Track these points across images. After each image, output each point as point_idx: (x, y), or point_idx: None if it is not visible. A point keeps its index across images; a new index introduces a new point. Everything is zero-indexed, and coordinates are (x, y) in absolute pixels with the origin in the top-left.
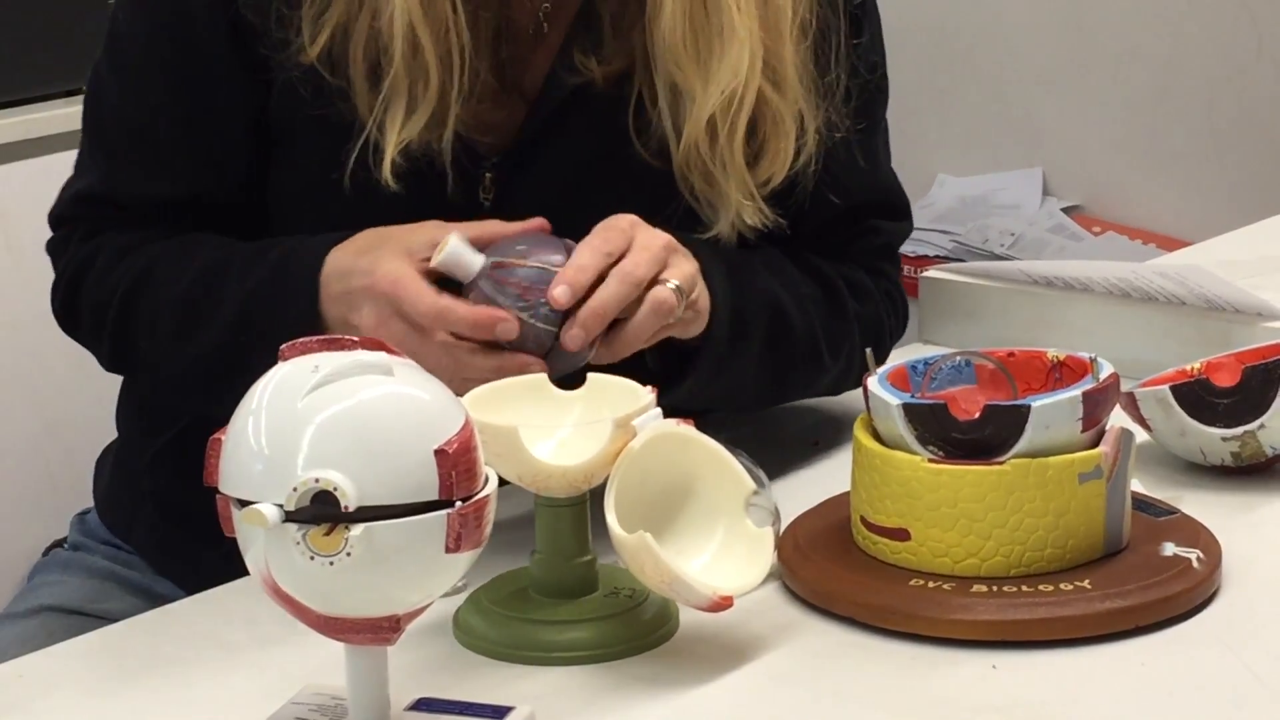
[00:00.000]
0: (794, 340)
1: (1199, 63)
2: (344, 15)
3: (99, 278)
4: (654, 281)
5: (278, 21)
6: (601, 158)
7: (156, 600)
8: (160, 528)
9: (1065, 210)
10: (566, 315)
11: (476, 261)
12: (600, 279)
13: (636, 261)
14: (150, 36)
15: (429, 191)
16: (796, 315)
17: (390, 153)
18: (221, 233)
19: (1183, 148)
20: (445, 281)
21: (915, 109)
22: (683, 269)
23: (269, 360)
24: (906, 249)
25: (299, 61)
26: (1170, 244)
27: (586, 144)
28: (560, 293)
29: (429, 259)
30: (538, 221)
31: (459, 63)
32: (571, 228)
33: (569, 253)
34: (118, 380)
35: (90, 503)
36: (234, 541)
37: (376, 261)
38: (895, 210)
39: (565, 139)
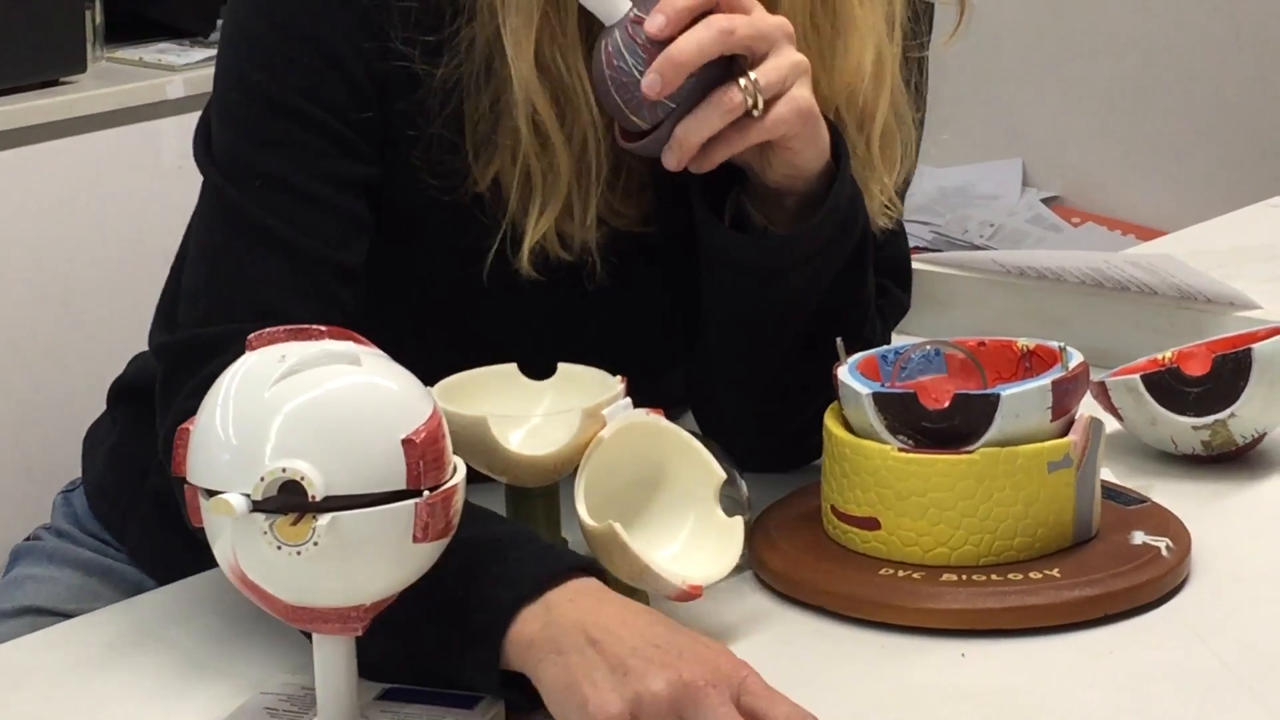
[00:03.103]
0: (861, 290)
1: (1178, 54)
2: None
3: (170, 415)
4: (736, 72)
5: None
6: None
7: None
8: (157, 530)
9: (1045, 201)
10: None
11: (624, 5)
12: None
13: (735, 19)
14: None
15: (554, 282)
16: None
17: (528, 243)
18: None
19: (1162, 138)
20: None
21: None
22: (780, 62)
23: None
24: None
25: (461, 187)
26: (1149, 234)
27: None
28: (655, 23)
29: None
30: None
31: (595, 144)
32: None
33: None
34: (97, 363)
35: (72, 476)
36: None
37: (696, 648)
38: (903, 280)
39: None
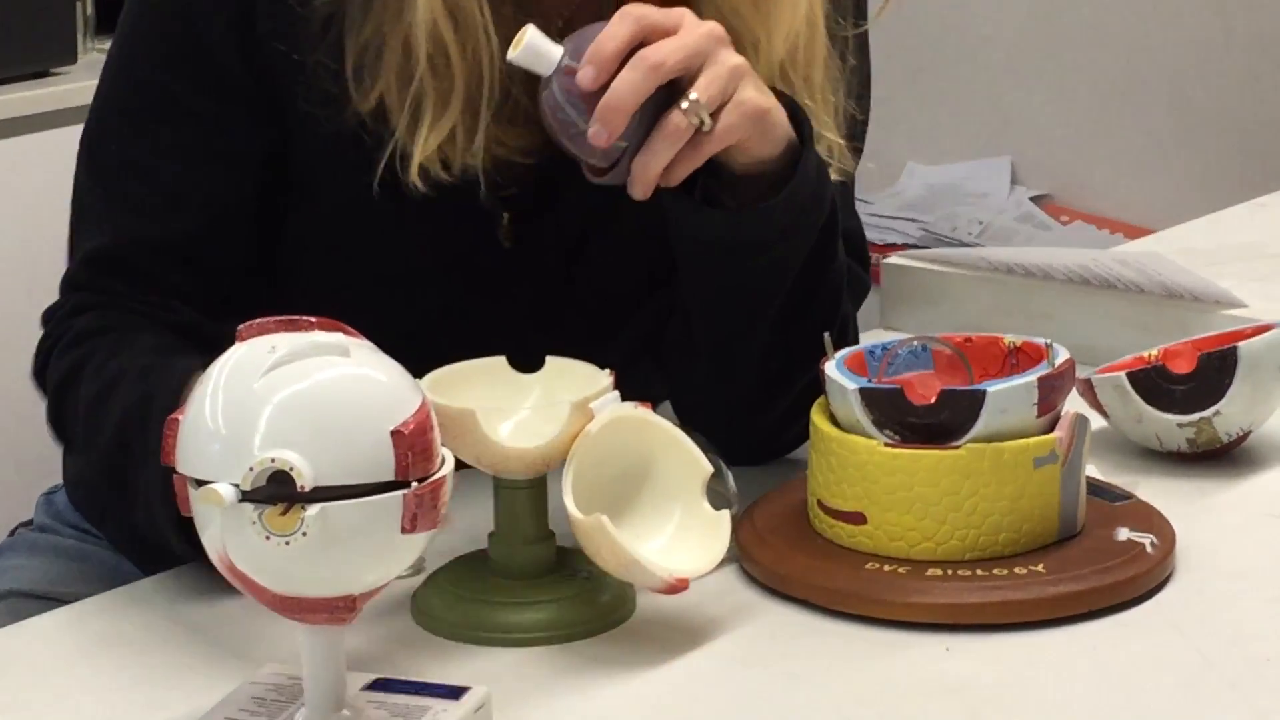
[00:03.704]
0: (834, 264)
1: (1167, 52)
2: (375, 33)
3: (57, 358)
4: (677, 94)
5: (317, 74)
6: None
7: (125, 583)
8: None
9: (1033, 199)
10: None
11: (555, 52)
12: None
13: (662, 49)
14: (156, 70)
15: (453, 225)
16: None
17: (418, 158)
18: (223, 294)
19: (1151, 137)
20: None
21: (884, 97)
22: (717, 70)
23: (148, 478)
24: (874, 236)
25: (345, 112)
26: (1138, 233)
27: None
28: (586, 76)
29: None
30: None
31: (490, 68)
32: (609, 246)
33: None
34: None
35: (56, 480)
36: None
37: None
38: (860, 254)
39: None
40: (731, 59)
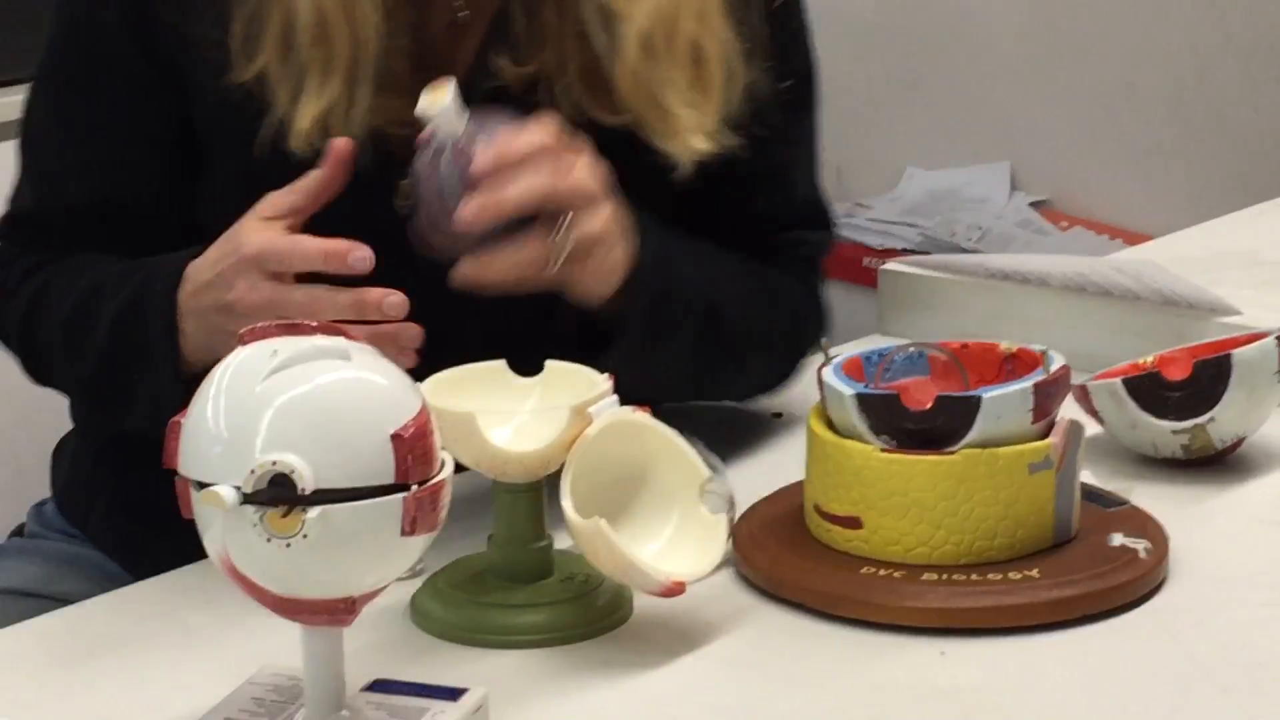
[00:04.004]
0: (723, 340)
1: (1166, 58)
2: (259, 4)
3: (6, 300)
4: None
5: (206, 43)
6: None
7: (113, 582)
8: (115, 518)
9: (1033, 204)
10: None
11: (461, 123)
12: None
13: (568, 180)
14: (65, 50)
15: (348, 191)
16: (729, 316)
17: (299, 125)
18: (148, 250)
19: (1150, 143)
20: None
21: (885, 102)
22: (591, 228)
23: (144, 379)
24: (873, 241)
25: (230, 80)
26: (1137, 239)
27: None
28: (485, 161)
29: (284, 216)
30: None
31: (372, 41)
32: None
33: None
34: None
35: (47, 493)
36: (187, 530)
37: (239, 237)
38: (818, 219)
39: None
40: (604, 219)
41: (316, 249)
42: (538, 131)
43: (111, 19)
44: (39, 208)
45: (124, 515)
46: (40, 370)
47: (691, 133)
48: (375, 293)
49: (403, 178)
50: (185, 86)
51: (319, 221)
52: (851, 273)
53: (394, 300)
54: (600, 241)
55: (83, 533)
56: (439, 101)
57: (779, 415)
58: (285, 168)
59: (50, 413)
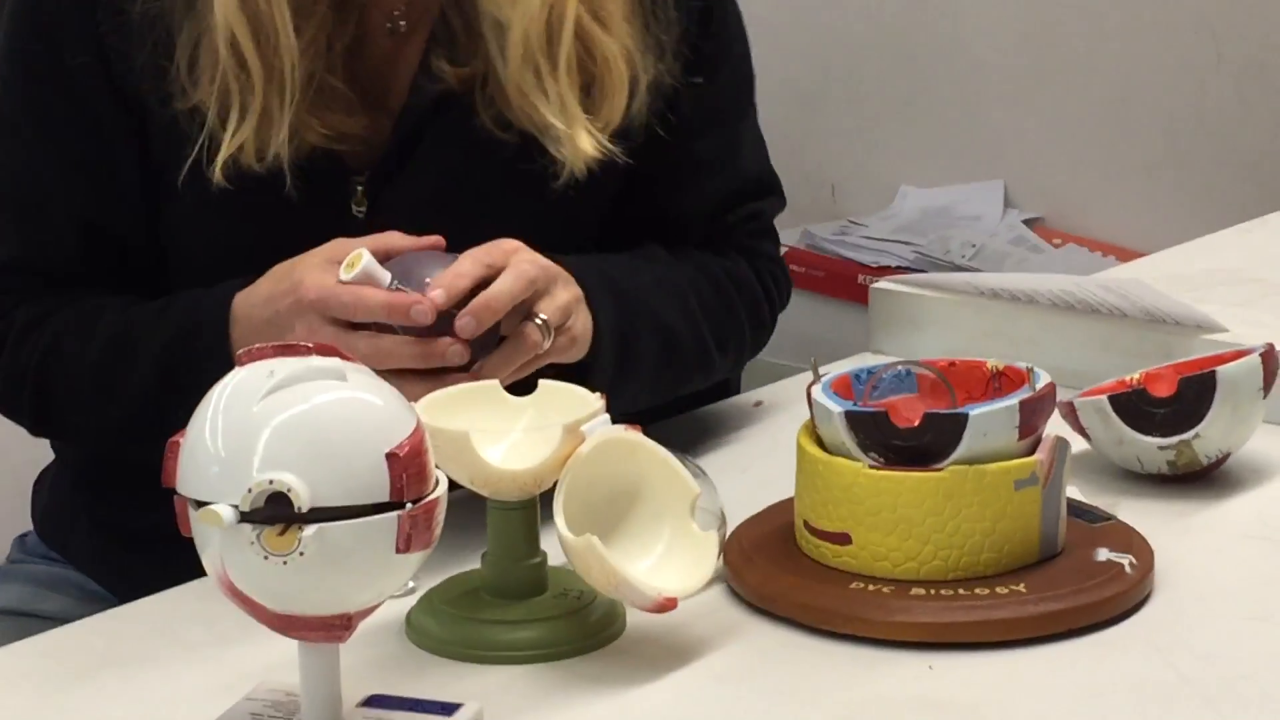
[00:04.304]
0: (684, 358)
1: (1159, 76)
2: (192, 34)
3: (12, 355)
4: (528, 315)
5: (151, 71)
6: (474, 163)
7: (95, 601)
8: (94, 539)
9: (1026, 222)
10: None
11: (385, 277)
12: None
13: (529, 265)
14: (25, 96)
15: (306, 204)
16: (686, 332)
17: (222, 155)
18: (140, 282)
19: (1142, 160)
20: None
21: (879, 120)
22: (557, 299)
23: (189, 413)
24: (867, 259)
25: (174, 107)
26: (1129, 256)
27: (455, 151)
28: (438, 295)
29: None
30: (434, 239)
31: (290, 65)
32: (450, 235)
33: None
34: None
35: (28, 526)
36: (166, 549)
37: (299, 279)
38: (767, 188)
39: (435, 148)
40: (571, 290)
41: (380, 302)
42: (467, 261)
43: (68, 58)
44: (26, 255)
45: (103, 535)
46: (54, 419)
47: (577, 140)
48: (442, 343)
49: (350, 188)
50: (141, 114)
51: (282, 229)
52: (846, 290)
53: (457, 349)
54: (568, 311)
55: (64, 555)
56: (355, 268)
57: (759, 403)
58: (237, 193)
59: (27, 447)
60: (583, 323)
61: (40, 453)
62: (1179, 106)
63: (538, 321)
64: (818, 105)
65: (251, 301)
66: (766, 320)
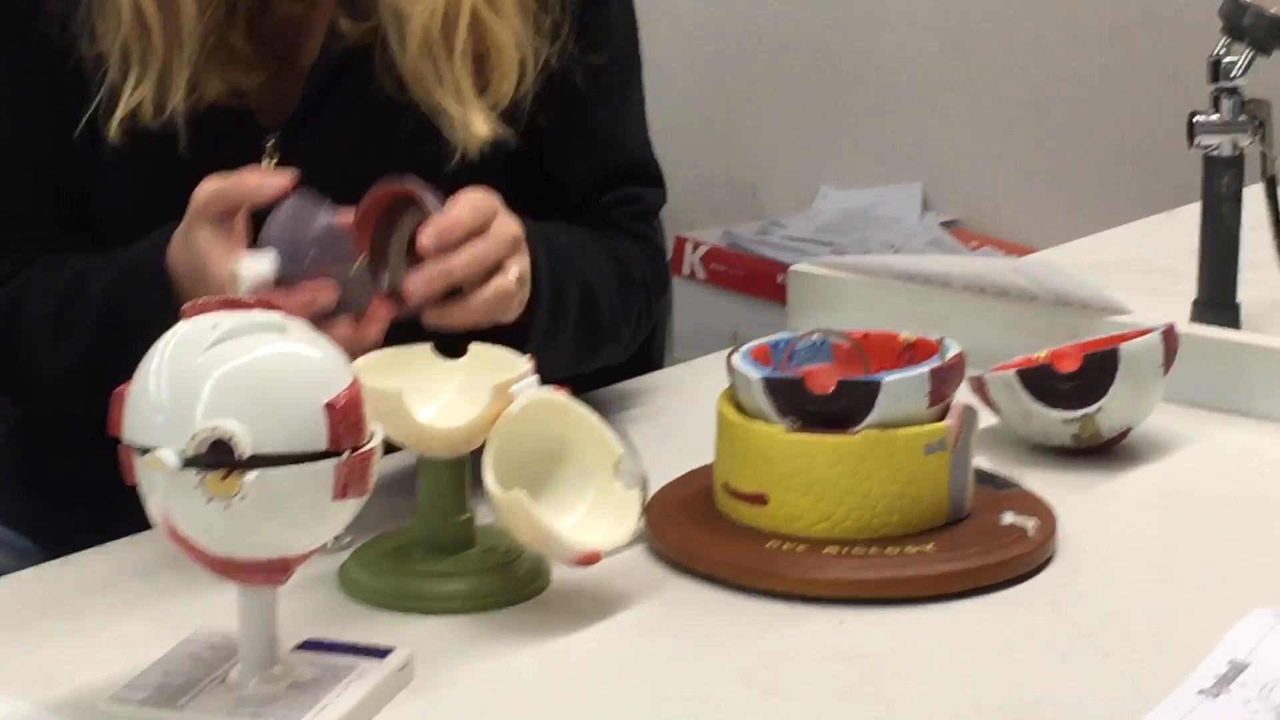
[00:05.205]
0: (600, 317)
1: (1075, 83)
2: None
3: None
4: (500, 269)
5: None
6: (380, 123)
7: (23, 556)
8: (23, 496)
9: (944, 224)
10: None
11: (267, 264)
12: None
13: (492, 246)
14: None
15: (217, 160)
16: (601, 293)
17: (119, 113)
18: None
19: (1058, 165)
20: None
21: (799, 123)
22: (523, 263)
23: (138, 355)
24: (788, 258)
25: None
26: None
27: (361, 111)
28: (429, 238)
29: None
30: (281, 183)
31: (192, 26)
32: (358, 193)
33: (332, 211)
34: None
35: None
36: (98, 508)
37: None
38: (650, 178)
39: (341, 107)
40: (525, 259)
41: (255, 176)
42: (467, 209)
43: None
44: None
45: (35, 494)
46: (10, 375)
47: (472, 123)
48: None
49: (261, 146)
50: (60, 68)
51: (181, 185)
52: (766, 289)
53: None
54: (524, 279)
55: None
56: (242, 283)
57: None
58: (139, 149)
59: None
60: (525, 269)
61: None
62: (1094, 112)
63: (512, 275)
64: (739, 106)
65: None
66: (653, 302)
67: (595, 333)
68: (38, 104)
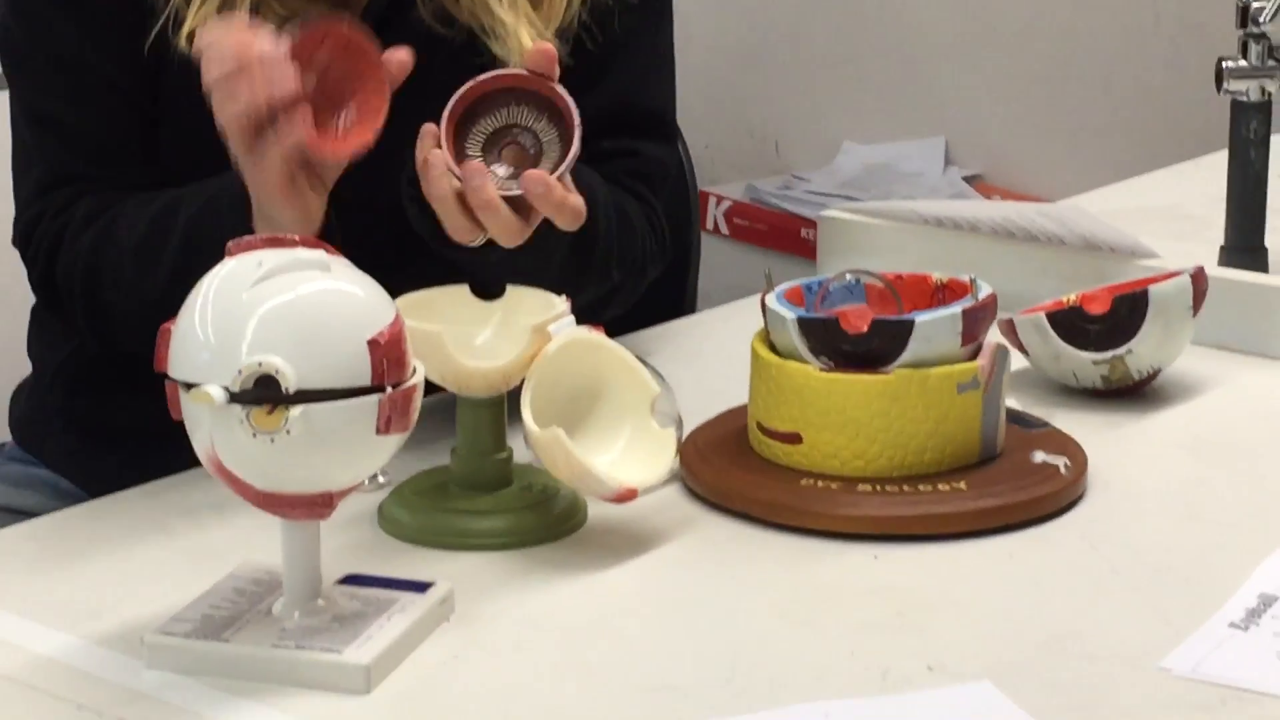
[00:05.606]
0: (597, 235)
1: (1097, 37)
2: None
3: (70, 246)
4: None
5: None
6: (420, 50)
7: (67, 498)
8: (66, 438)
9: (966, 179)
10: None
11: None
12: None
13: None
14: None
15: None
16: (604, 221)
17: (186, 27)
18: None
19: (1080, 119)
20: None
21: (821, 77)
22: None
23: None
24: (810, 213)
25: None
26: None
27: (405, 38)
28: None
29: None
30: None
31: None
32: (397, 125)
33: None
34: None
35: (6, 438)
36: (140, 450)
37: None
38: (659, 133)
39: (392, 35)
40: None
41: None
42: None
43: None
44: (72, 159)
45: (77, 434)
46: (98, 308)
47: (522, 37)
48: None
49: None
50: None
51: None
52: (789, 243)
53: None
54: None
55: (39, 458)
56: None
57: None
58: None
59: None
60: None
61: (16, 370)
62: (1116, 66)
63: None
64: (762, 62)
65: None
66: (647, 264)
67: (591, 250)
68: (110, 18)
